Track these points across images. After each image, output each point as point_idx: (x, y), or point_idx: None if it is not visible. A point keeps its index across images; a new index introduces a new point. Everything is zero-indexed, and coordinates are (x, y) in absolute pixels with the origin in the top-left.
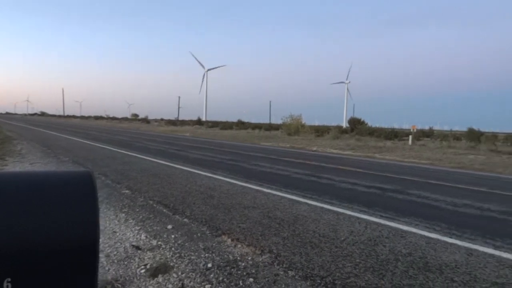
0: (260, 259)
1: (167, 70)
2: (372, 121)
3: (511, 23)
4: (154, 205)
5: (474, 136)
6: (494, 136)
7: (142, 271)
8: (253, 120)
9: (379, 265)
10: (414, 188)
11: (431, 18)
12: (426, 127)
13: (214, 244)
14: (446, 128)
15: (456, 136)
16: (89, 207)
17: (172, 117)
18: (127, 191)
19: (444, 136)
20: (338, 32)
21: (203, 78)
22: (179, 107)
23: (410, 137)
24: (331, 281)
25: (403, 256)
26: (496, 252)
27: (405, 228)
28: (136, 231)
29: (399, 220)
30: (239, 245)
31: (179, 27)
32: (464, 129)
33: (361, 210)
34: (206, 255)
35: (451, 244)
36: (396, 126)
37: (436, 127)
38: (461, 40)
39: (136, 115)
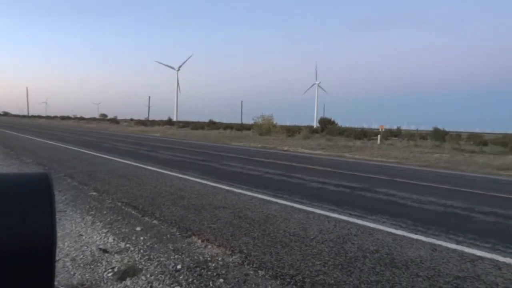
0: (230, 260)
1: (136, 70)
2: (342, 121)
3: (475, 26)
4: (123, 207)
5: (439, 135)
6: (458, 136)
7: (109, 274)
8: (225, 121)
9: (347, 263)
10: (382, 186)
11: (400, 19)
12: (394, 127)
13: (184, 246)
14: (413, 127)
15: (422, 136)
16: (45, 210)
17: (142, 117)
18: (94, 193)
19: (411, 135)
20: (308, 33)
21: (177, 80)
22: (149, 107)
23: (379, 136)
24: (301, 279)
25: (370, 253)
26: (459, 247)
27: (372, 225)
28: (104, 234)
29: (367, 218)
30: (209, 246)
31: (146, 27)
32: (430, 128)
33: (330, 208)
34: (176, 256)
35: (416, 240)
36: (365, 126)
37: (404, 127)
38: (428, 42)
39: (104, 115)
